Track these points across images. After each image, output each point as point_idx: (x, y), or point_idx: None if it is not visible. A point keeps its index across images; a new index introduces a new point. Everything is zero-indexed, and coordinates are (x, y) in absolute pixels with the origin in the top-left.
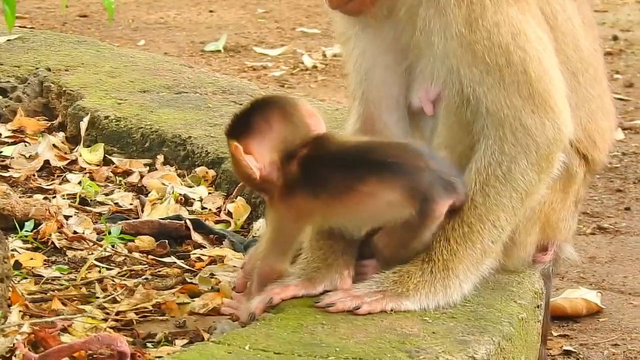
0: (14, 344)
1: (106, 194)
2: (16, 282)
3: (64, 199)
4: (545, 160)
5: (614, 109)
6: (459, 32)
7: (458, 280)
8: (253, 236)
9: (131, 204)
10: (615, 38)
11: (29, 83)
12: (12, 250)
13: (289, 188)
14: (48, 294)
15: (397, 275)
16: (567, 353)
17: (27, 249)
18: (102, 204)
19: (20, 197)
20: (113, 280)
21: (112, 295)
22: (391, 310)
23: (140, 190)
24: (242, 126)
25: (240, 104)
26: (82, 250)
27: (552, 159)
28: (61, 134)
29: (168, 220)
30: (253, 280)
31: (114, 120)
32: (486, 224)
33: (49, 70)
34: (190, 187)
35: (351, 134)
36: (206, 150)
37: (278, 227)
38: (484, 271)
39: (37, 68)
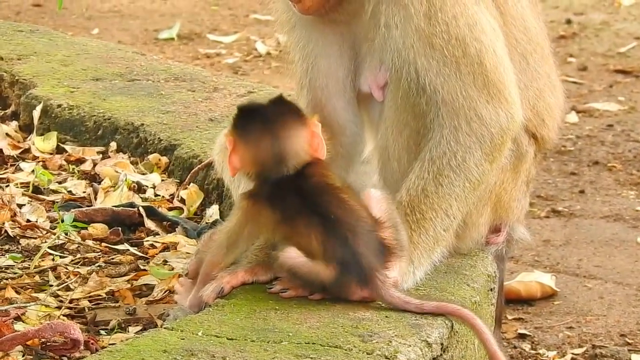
0: None
1: (59, 182)
2: None
3: (17, 187)
4: (498, 151)
5: (561, 85)
6: (419, 25)
7: (412, 266)
8: (206, 222)
9: (84, 192)
10: (568, 21)
11: None
12: None
13: (256, 197)
14: (1, 283)
15: None
16: (522, 336)
17: None
18: (55, 192)
19: None
20: (66, 268)
21: (66, 283)
22: None
23: (93, 178)
24: (248, 125)
25: (193, 91)
26: (35, 238)
27: (503, 149)
28: (14, 123)
29: (121, 208)
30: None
31: (66, 109)
32: (438, 212)
33: (2, 59)
34: (143, 174)
35: None
36: (159, 138)
37: (236, 225)
38: (436, 258)
39: None
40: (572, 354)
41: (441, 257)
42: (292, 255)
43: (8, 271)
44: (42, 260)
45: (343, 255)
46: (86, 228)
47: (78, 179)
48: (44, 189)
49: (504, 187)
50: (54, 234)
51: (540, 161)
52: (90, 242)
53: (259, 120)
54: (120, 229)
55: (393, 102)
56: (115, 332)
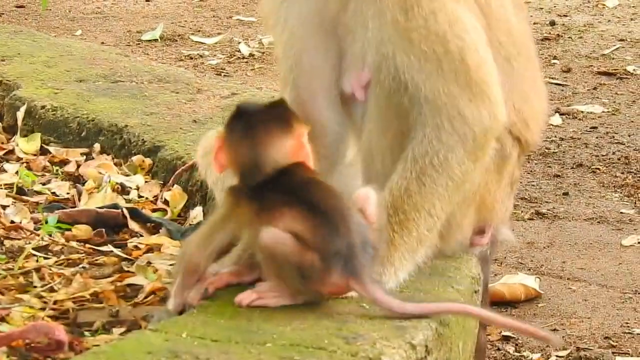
0: None
1: (43, 184)
2: None
3: (1, 188)
4: (481, 150)
5: (545, 88)
6: (395, 18)
7: (393, 268)
8: (190, 224)
9: (68, 193)
10: (552, 23)
11: None
12: None
13: (238, 192)
14: None
15: None
16: (506, 338)
17: None
18: (39, 193)
19: None
20: (50, 270)
21: (50, 285)
22: None
23: (77, 180)
24: (236, 126)
25: (177, 93)
26: (19, 239)
27: (487, 148)
28: None
29: (105, 209)
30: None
31: (50, 110)
32: (421, 212)
33: None
34: (127, 175)
35: None
36: (142, 139)
37: (217, 218)
38: (420, 259)
39: None
40: (556, 356)
41: (424, 258)
42: (275, 233)
43: None
44: (26, 262)
45: (335, 243)
46: (70, 229)
47: (62, 180)
48: (28, 190)
49: (488, 188)
50: (38, 235)
51: (523, 163)
52: (74, 244)
53: (246, 123)
54: (104, 230)
55: (376, 101)
56: (99, 334)
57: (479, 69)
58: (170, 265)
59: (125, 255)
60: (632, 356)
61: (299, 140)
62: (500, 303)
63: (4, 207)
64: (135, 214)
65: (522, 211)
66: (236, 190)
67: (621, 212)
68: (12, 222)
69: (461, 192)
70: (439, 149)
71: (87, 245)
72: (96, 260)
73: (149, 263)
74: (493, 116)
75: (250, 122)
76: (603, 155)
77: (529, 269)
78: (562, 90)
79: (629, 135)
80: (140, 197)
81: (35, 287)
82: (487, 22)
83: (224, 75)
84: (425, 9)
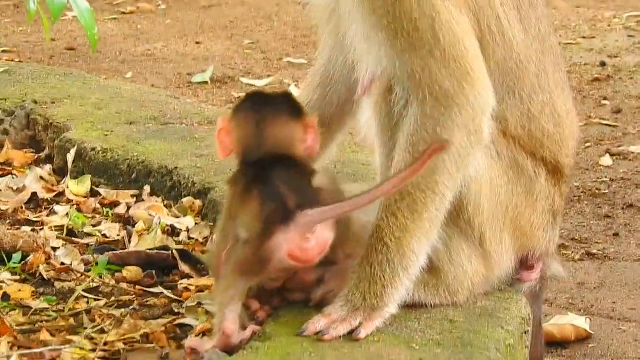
0: None
1: (93, 226)
2: (5, 313)
3: (52, 230)
4: (472, 123)
5: (570, 120)
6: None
7: (415, 255)
8: None
9: (118, 235)
10: (603, 64)
11: (16, 116)
12: (1, 282)
13: (235, 179)
14: (36, 325)
15: (360, 285)
16: None
17: (16, 280)
18: (89, 235)
19: (8, 230)
20: (101, 311)
21: (100, 326)
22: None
23: (127, 221)
24: (244, 109)
25: None
26: (70, 281)
27: (478, 122)
28: (48, 166)
29: (155, 251)
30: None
31: (100, 152)
32: (426, 191)
33: (36, 102)
34: (177, 217)
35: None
36: (193, 181)
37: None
38: (433, 242)
39: (23, 101)
40: None
41: (436, 241)
42: None
43: (43, 314)
44: (77, 303)
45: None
46: (120, 271)
47: (112, 222)
48: (78, 232)
49: (519, 211)
50: (89, 276)
51: (570, 199)
52: (124, 285)
53: (256, 105)
54: (154, 272)
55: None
56: None
57: (454, 46)
58: None
59: (175, 297)
60: None
61: (309, 125)
62: (550, 343)
63: (55, 249)
64: (186, 256)
65: (572, 252)
66: (234, 178)
67: None
68: (63, 263)
69: (461, 169)
70: (426, 122)
71: (138, 287)
72: (146, 301)
73: (199, 304)
74: (476, 91)
75: (261, 104)
76: None
77: (580, 310)
78: (613, 131)
79: None
80: (190, 238)
81: (85, 328)
82: (481, 33)
83: None
84: None
